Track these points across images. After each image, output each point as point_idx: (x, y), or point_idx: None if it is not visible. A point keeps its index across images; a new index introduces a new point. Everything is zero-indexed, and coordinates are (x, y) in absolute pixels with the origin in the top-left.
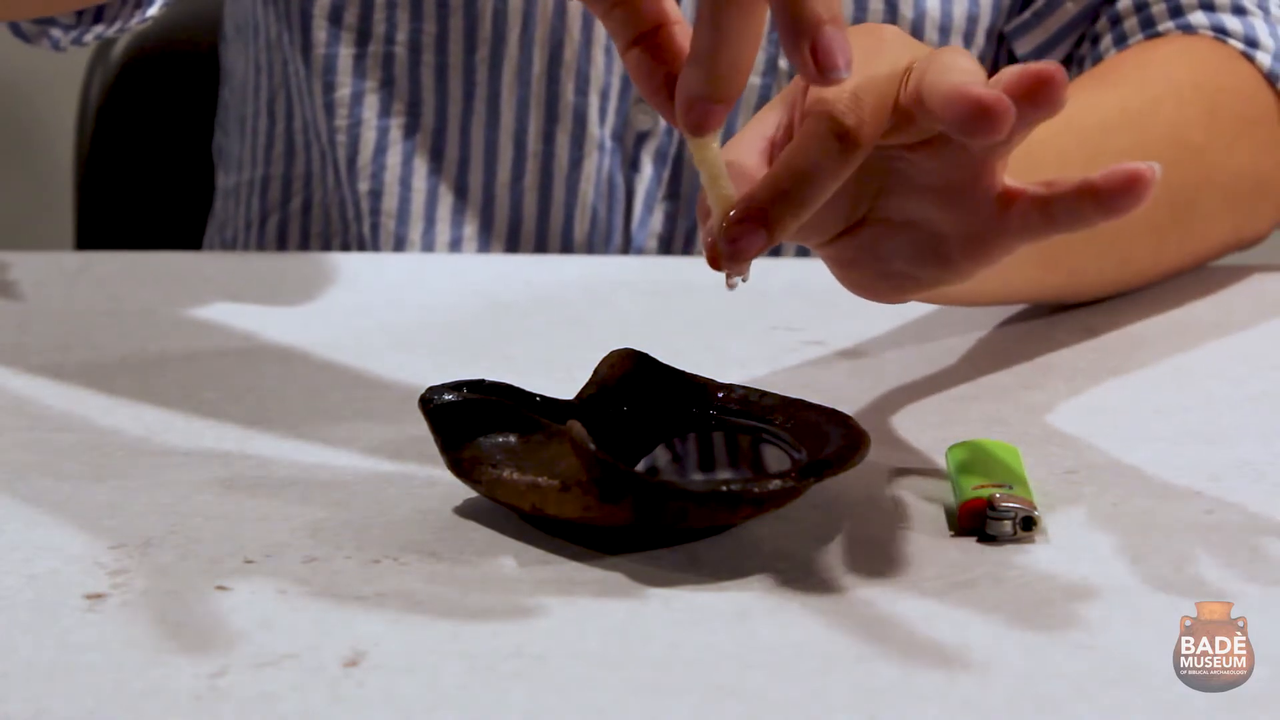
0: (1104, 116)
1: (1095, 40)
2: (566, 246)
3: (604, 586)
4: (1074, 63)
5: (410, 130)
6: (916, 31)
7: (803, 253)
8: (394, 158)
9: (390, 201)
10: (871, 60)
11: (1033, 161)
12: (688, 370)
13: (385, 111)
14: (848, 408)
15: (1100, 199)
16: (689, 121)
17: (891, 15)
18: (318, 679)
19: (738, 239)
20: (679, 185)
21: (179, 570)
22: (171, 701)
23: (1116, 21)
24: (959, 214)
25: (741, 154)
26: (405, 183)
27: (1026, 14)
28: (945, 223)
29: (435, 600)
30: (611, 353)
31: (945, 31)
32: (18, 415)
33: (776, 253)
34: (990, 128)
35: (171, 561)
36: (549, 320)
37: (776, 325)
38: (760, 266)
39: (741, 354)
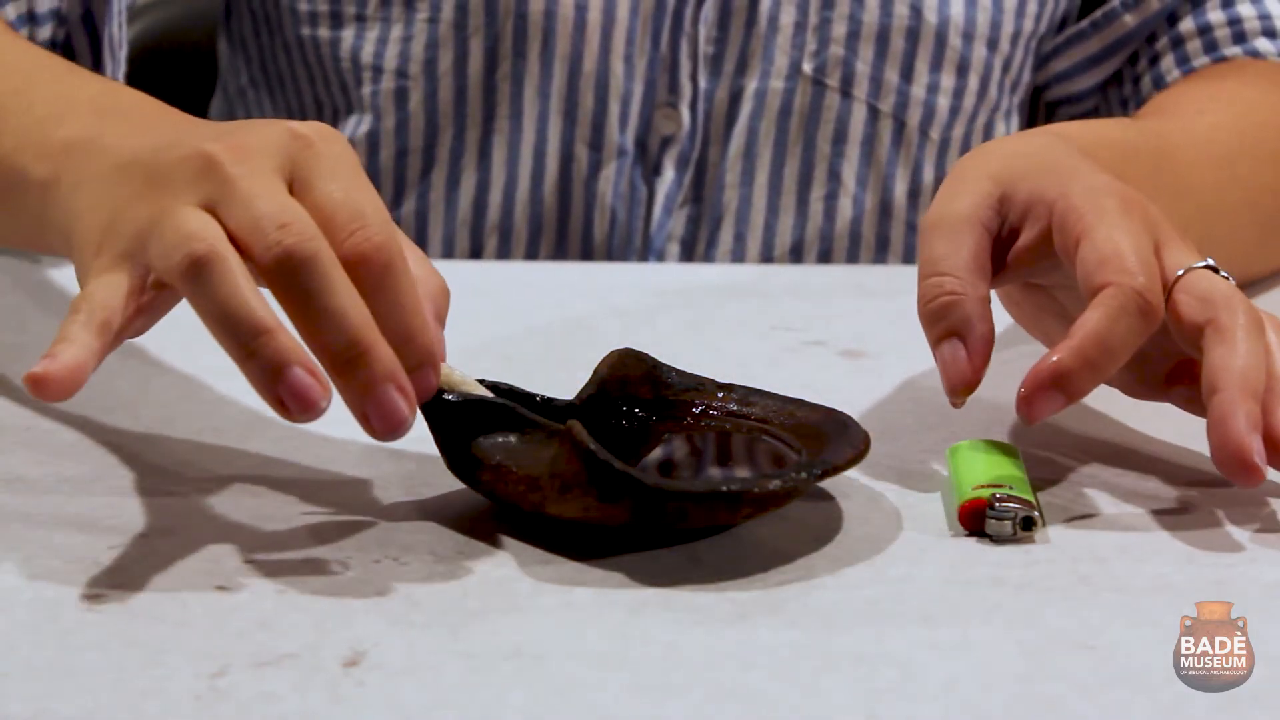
0: (1200, 139)
1: (1154, 60)
2: (586, 249)
3: (604, 586)
4: (1127, 80)
5: (426, 167)
6: (940, 38)
7: (800, 256)
8: (409, 204)
9: (407, 234)
10: (1146, 224)
11: (1163, 183)
12: (688, 370)
13: (402, 151)
14: (848, 408)
15: (1216, 460)
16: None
17: (916, 20)
18: (318, 679)
19: (1038, 402)
20: (701, 189)
21: (179, 570)
22: (171, 701)
23: (1179, 43)
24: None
25: (954, 268)
26: (421, 216)
27: (1069, 31)
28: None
29: (435, 600)
30: (611, 353)
31: (969, 38)
32: (18, 415)
33: (770, 258)
34: (1246, 480)
35: (171, 561)
36: (549, 320)
37: (776, 325)
38: (761, 269)
39: (741, 354)
